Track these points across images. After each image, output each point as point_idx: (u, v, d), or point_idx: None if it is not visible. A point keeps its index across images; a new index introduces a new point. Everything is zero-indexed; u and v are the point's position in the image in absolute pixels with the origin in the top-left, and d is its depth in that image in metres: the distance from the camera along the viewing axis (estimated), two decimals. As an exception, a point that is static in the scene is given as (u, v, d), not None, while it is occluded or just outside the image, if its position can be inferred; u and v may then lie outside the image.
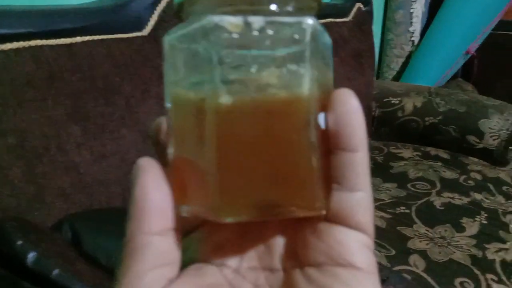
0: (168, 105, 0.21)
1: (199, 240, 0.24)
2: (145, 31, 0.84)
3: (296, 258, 0.22)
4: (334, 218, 0.21)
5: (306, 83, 0.19)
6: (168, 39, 0.20)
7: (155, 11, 0.86)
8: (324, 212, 0.21)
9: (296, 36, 0.19)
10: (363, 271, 0.20)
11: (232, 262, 0.23)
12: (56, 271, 0.55)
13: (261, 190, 0.20)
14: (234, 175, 0.19)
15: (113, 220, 0.66)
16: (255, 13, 0.19)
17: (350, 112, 0.20)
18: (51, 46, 0.72)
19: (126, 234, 0.20)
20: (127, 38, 0.81)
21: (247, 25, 0.18)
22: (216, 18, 0.18)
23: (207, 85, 0.19)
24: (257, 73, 0.19)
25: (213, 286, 0.22)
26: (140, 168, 0.20)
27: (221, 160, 0.19)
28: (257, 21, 0.18)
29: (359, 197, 0.20)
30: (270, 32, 0.19)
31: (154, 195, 0.20)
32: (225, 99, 0.18)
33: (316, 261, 0.21)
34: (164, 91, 0.21)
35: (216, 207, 0.19)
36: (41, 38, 0.71)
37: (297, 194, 0.20)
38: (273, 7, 0.19)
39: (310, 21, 0.19)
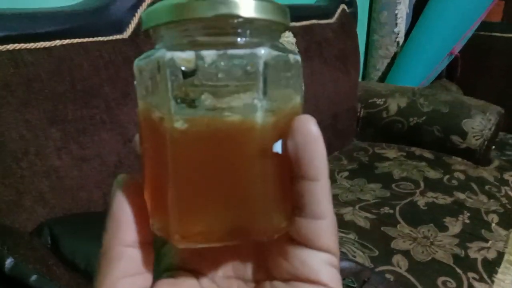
0: (139, 120, 0.22)
1: (177, 247, 0.25)
2: (126, 34, 0.84)
3: (266, 272, 0.23)
4: (299, 241, 0.21)
5: (260, 114, 0.19)
6: (136, 63, 0.21)
7: (136, 14, 0.86)
8: (285, 230, 0.22)
9: (249, 68, 0.19)
10: (327, 286, 0.21)
11: (208, 270, 0.24)
12: (34, 277, 0.54)
13: (217, 217, 0.20)
14: (190, 200, 0.20)
15: (92, 225, 0.65)
16: (213, 45, 0.19)
17: (309, 141, 0.20)
18: (30, 50, 0.71)
19: (102, 245, 0.21)
20: (108, 41, 0.81)
21: (199, 59, 0.19)
22: (168, 54, 0.19)
23: (164, 109, 0.19)
24: (212, 105, 0.19)
25: None
26: (118, 184, 0.21)
27: (177, 184, 0.19)
28: (208, 55, 0.19)
29: (321, 224, 0.21)
30: (222, 65, 0.19)
31: (129, 210, 0.21)
32: (179, 124, 0.19)
33: (284, 278, 0.22)
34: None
35: (172, 232, 0.20)
36: (19, 42, 0.71)
37: (252, 220, 0.20)
38: (229, 38, 0.20)
39: (263, 51, 0.19)
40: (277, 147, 0.20)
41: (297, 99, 0.22)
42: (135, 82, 0.22)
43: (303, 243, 0.21)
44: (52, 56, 0.73)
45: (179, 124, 0.19)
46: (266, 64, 0.19)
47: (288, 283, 0.22)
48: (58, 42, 0.74)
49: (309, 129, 0.20)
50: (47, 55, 0.72)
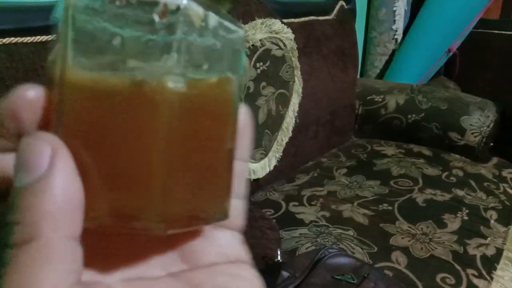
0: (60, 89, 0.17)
1: None
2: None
3: (185, 262, 0.21)
4: (221, 223, 0.21)
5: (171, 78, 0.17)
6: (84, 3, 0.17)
7: (133, 8, 0.85)
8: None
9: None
10: (247, 263, 0.22)
11: (107, 277, 0.19)
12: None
13: (197, 197, 0.19)
14: (178, 179, 0.17)
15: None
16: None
17: (246, 127, 0.22)
18: (26, 44, 0.70)
19: (28, 233, 0.15)
20: (105, 35, 0.80)
21: (206, 18, 0.17)
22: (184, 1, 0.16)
23: (158, 72, 0.16)
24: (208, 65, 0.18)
25: None
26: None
27: (168, 161, 0.17)
28: (213, 18, 0.18)
29: (241, 204, 0.22)
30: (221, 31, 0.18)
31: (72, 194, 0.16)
32: (179, 85, 0.17)
33: (205, 264, 0.21)
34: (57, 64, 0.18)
35: (155, 216, 0.17)
36: (15, 36, 0.70)
37: (219, 203, 0.20)
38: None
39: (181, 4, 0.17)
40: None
41: (229, 76, 0.19)
42: (64, 36, 0.17)
43: (225, 225, 0.21)
44: (48, 50, 0.72)
45: (179, 85, 0.17)
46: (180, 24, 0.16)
47: (210, 268, 0.20)
48: (55, 36, 0.73)
49: (247, 121, 0.22)
50: (44, 49, 0.72)
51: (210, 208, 0.19)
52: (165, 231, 0.17)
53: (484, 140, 1.33)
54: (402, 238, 0.92)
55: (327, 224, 0.96)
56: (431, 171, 1.23)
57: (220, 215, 0.20)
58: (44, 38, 0.72)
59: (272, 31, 1.13)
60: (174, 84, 0.16)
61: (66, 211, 0.15)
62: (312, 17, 1.34)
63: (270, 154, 1.15)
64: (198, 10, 0.17)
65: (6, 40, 0.68)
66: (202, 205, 0.19)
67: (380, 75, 1.91)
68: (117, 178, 0.17)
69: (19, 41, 0.70)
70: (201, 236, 0.21)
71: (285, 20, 1.20)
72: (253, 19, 1.08)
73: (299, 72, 1.22)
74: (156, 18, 0.16)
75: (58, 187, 0.15)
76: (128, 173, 0.16)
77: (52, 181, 0.15)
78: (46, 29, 0.73)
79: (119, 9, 0.16)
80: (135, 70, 0.16)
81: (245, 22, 1.06)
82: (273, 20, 1.14)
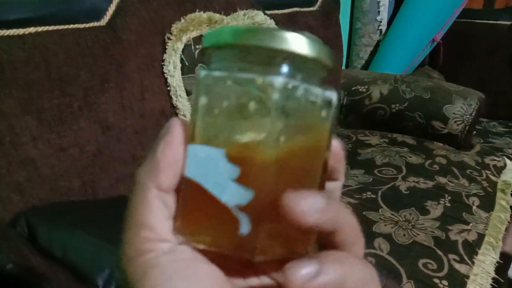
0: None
1: None
2: (103, 21, 0.82)
3: None
4: None
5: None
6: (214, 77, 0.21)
7: (113, 1, 0.85)
8: None
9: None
10: None
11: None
12: (9, 266, 0.53)
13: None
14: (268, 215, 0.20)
15: (68, 213, 0.64)
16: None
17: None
18: (2, 37, 0.70)
19: (137, 183, 0.21)
20: (84, 28, 0.79)
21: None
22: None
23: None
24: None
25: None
26: (168, 128, 0.21)
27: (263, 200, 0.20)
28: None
29: None
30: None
31: (171, 156, 0.21)
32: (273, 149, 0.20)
33: None
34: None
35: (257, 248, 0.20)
36: (-9, 29, 0.69)
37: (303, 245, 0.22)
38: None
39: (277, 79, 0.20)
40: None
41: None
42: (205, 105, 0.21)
43: None
44: (25, 44, 0.71)
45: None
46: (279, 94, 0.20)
47: None
48: (32, 30, 0.73)
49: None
50: (21, 43, 0.71)
51: (296, 247, 0.22)
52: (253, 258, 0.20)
53: (467, 128, 1.34)
54: (385, 225, 0.93)
55: (311, 213, 0.96)
56: (414, 159, 1.25)
57: (302, 253, 0.22)
58: (21, 31, 0.72)
59: (255, 22, 1.13)
60: (269, 145, 0.20)
61: (158, 169, 0.21)
62: (295, 9, 1.34)
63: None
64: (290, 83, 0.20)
65: (-18, 34, 0.68)
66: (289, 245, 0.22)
67: (366, 66, 1.92)
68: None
69: (-4, 35, 0.69)
70: None
71: (268, 12, 1.20)
72: (235, 11, 1.08)
73: (283, 64, 1.22)
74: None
75: (156, 152, 0.21)
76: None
77: (155, 148, 0.21)
78: (23, 23, 0.72)
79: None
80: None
81: (227, 14, 1.06)
82: (256, 11, 1.14)
